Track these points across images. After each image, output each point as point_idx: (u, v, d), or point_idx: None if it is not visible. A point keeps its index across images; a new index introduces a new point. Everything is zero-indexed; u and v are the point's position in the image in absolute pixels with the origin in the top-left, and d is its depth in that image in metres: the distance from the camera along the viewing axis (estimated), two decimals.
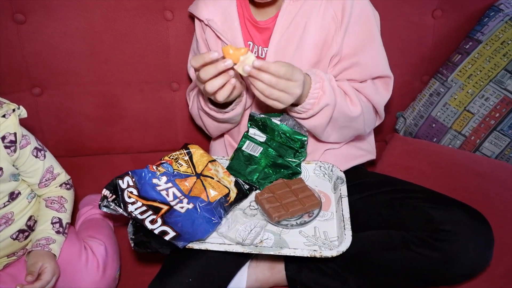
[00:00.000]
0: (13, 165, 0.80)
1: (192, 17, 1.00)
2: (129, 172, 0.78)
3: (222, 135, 1.02)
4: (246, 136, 0.94)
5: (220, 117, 0.88)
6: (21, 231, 0.84)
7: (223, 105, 0.86)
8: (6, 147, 0.77)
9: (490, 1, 1.11)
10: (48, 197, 0.86)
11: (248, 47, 0.90)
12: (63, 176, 0.88)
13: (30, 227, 0.85)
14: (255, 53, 0.90)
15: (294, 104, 0.80)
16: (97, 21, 1.01)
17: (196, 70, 0.75)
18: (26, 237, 0.85)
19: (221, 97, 0.74)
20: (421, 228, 0.76)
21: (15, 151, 0.78)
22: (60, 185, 0.88)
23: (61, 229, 0.84)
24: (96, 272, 0.85)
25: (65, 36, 1.01)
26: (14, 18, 0.98)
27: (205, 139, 1.15)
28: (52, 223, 0.84)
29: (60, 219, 0.85)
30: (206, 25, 0.90)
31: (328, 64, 0.88)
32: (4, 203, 0.81)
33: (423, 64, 1.16)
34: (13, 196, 0.83)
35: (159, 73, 1.08)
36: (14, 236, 0.83)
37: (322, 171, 0.92)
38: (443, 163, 0.97)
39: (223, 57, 0.71)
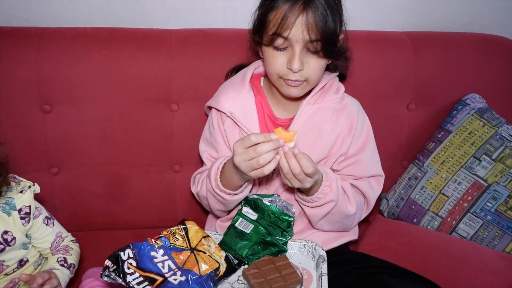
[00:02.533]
0: (26, 235, 0.92)
1: (199, 111, 1.16)
2: (130, 244, 0.88)
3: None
4: (239, 214, 1.04)
5: (229, 199, 0.99)
6: None
7: (232, 188, 0.97)
8: (21, 218, 0.90)
9: (458, 96, 1.26)
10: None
11: None
12: (70, 237, 1.01)
13: None
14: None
15: (304, 192, 0.97)
16: (111, 111, 1.16)
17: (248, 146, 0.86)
18: None
19: (268, 170, 0.86)
20: None
21: (29, 221, 0.91)
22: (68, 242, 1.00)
23: (65, 264, 0.95)
24: None
25: (83, 123, 1.15)
26: (42, 108, 1.14)
27: (203, 215, 1.24)
28: (57, 261, 0.95)
29: (65, 258, 0.96)
30: (228, 116, 1.04)
31: (335, 161, 1.04)
32: (13, 269, 0.92)
33: (402, 151, 1.28)
34: (21, 263, 0.94)
35: (162, 157, 1.21)
36: None
37: (306, 249, 1.00)
38: (417, 243, 1.05)
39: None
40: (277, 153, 0.86)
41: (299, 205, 1.03)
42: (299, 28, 0.88)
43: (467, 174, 1.15)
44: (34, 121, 1.14)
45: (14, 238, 0.89)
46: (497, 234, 1.09)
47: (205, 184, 1.05)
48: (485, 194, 1.12)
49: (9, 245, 0.89)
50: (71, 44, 1.14)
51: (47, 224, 0.96)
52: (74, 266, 0.98)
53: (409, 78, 1.24)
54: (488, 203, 1.12)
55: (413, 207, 1.20)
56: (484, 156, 1.15)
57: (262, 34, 0.94)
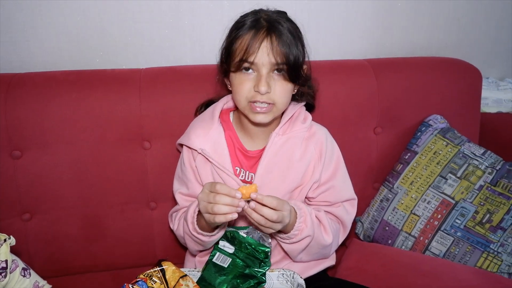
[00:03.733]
0: None
1: (172, 147, 1.17)
2: None
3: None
4: (216, 248, 1.04)
5: (206, 240, 1.00)
6: None
7: (209, 229, 0.99)
8: None
9: (421, 118, 1.31)
10: None
11: (235, 172, 1.06)
12: (47, 286, 0.98)
13: None
14: (242, 177, 1.06)
15: (280, 231, 0.99)
16: (83, 152, 1.16)
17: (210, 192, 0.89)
18: None
19: (219, 220, 0.88)
20: None
21: (5, 276, 0.88)
22: None
23: None
24: None
25: (56, 167, 1.15)
26: (12, 154, 1.13)
27: (181, 251, 1.23)
28: None
29: None
30: (199, 153, 1.05)
31: (309, 188, 1.07)
32: None
33: (372, 173, 1.32)
34: None
35: (138, 195, 1.21)
36: None
37: (284, 278, 1.01)
38: (393, 265, 1.07)
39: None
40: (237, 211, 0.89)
41: (276, 241, 1.05)
42: (264, 52, 0.93)
43: (435, 193, 1.20)
44: (3, 167, 1.13)
45: None
46: (468, 249, 1.13)
47: (181, 225, 1.06)
48: (454, 211, 1.16)
49: None
50: (40, 89, 1.14)
51: (24, 276, 0.93)
52: None
53: (373, 102, 1.28)
54: (457, 220, 1.16)
55: (387, 228, 1.23)
56: (449, 174, 1.20)
57: (229, 63, 0.98)
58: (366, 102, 1.28)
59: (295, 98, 1.11)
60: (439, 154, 1.23)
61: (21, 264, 0.93)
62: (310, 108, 1.16)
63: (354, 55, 1.42)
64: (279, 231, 1.00)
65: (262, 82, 0.94)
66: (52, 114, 1.14)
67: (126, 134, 1.18)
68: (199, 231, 0.98)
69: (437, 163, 1.22)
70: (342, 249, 1.22)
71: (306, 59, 1.02)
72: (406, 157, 1.27)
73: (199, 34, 1.34)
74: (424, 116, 1.32)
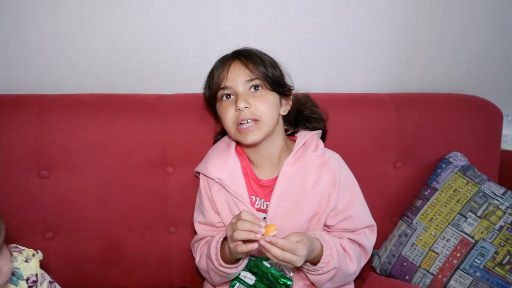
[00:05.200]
0: None
1: (194, 175, 1.19)
2: None
3: None
4: (237, 278, 1.05)
5: (232, 272, 1.01)
6: None
7: (233, 261, 1.00)
8: (29, 287, 0.89)
9: (441, 154, 1.32)
10: None
11: (251, 200, 1.08)
12: None
13: None
14: (257, 205, 1.08)
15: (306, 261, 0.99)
16: (108, 176, 1.18)
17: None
18: None
19: (240, 249, 0.89)
20: None
21: None
22: None
23: None
24: None
25: (80, 188, 1.17)
26: (40, 174, 1.16)
27: (198, 277, 1.24)
28: None
29: None
30: (217, 182, 1.08)
31: (326, 217, 1.07)
32: None
33: (391, 208, 1.32)
34: None
35: (158, 219, 1.22)
36: None
37: None
38: None
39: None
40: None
41: (303, 272, 1.05)
42: (233, 73, 1.01)
43: (454, 231, 1.19)
44: (31, 187, 1.16)
45: None
46: None
47: (204, 260, 1.07)
48: (473, 251, 1.16)
49: None
50: (69, 112, 1.18)
51: None
52: None
53: (393, 137, 1.30)
54: (476, 260, 1.15)
55: (405, 264, 1.23)
56: (469, 213, 1.20)
57: (210, 97, 1.07)
58: (386, 137, 1.30)
59: (305, 126, 1.13)
60: (459, 192, 1.23)
61: (48, 278, 0.95)
62: (322, 135, 1.18)
63: (374, 89, 1.44)
64: (306, 261, 1.00)
65: (239, 99, 0.99)
66: (79, 136, 1.17)
67: (150, 159, 1.20)
68: (225, 265, 0.99)
69: (457, 201, 1.22)
70: (358, 281, 1.22)
71: (282, 71, 1.09)
72: (426, 193, 1.27)
73: None
74: (444, 153, 1.32)
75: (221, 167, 1.09)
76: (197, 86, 1.37)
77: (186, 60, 1.35)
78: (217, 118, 1.13)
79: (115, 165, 1.18)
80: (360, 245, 1.10)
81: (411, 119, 1.31)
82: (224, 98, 1.03)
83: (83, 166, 1.17)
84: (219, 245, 1.01)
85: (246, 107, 0.99)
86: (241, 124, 1.00)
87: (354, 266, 1.05)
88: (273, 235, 0.89)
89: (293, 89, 1.11)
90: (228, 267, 1.00)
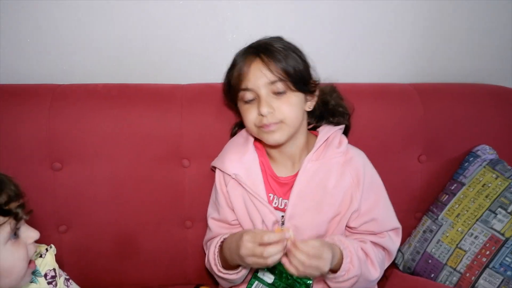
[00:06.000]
0: None
1: (211, 169, 1.14)
2: None
3: None
4: (255, 277, 1.00)
5: (232, 278, 0.98)
6: None
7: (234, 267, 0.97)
8: (49, 283, 0.85)
9: (468, 147, 1.26)
10: None
11: (269, 198, 1.03)
12: None
13: None
14: (275, 204, 1.03)
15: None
16: (122, 168, 1.15)
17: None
18: None
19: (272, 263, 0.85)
20: None
21: (56, 285, 0.86)
22: None
23: None
24: None
25: (93, 181, 1.14)
26: (52, 166, 1.13)
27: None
28: None
29: None
30: (234, 178, 1.03)
31: (349, 218, 1.02)
32: None
33: (415, 203, 1.27)
34: None
35: (173, 213, 1.18)
36: None
37: None
38: None
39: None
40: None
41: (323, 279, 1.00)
42: (255, 74, 0.93)
43: (483, 227, 1.13)
44: (43, 179, 1.12)
45: None
46: None
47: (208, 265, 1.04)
48: (503, 249, 1.10)
49: None
50: (82, 102, 1.15)
51: (67, 286, 0.91)
52: None
53: (418, 129, 1.24)
54: (507, 258, 1.09)
55: (430, 261, 1.17)
56: (499, 209, 1.14)
57: (230, 95, 1.00)
58: (410, 129, 1.24)
59: (329, 120, 1.08)
60: (488, 187, 1.17)
61: (64, 274, 0.91)
62: (345, 129, 1.11)
63: (397, 79, 1.38)
64: None
65: (262, 104, 0.93)
66: (92, 127, 1.13)
67: (165, 151, 1.16)
68: (225, 271, 0.97)
69: (486, 196, 1.16)
70: (382, 279, 1.17)
71: (311, 68, 1.01)
72: (452, 187, 1.22)
73: None
74: (471, 146, 1.26)
75: (238, 162, 1.04)
76: (212, 77, 1.33)
77: (202, 49, 1.31)
78: (237, 111, 1.08)
79: (129, 157, 1.15)
80: (384, 248, 1.05)
81: (436, 111, 1.25)
82: (246, 98, 0.96)
83: (96, 158, 1.14)
84: (217, 250, 0.98)
85: (270, 112, 0.93)
86: (263, 126, 0.95)
87: (376, 273, 1.00)
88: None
89: (319, 83, 1.03)
90: (227, 273, 0.96)
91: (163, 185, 1.17)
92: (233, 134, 1.15)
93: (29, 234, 0.77)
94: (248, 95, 0.94)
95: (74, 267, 1.17)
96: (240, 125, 1.13)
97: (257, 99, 0.94)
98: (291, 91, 0.94)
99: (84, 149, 1.13)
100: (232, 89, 0.99)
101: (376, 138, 1.22)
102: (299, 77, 0.95)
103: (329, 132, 1.04)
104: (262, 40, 0.99)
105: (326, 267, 0.85)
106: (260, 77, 0.92)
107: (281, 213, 1.01)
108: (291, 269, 0.85)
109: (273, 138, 0.96)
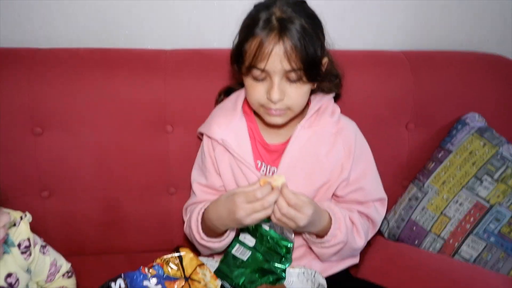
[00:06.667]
0: (27, 271, 0.85)
1: (195, 133, 1.13)
2: (122, 274, 0.85)
3: None
4: (237, 240, 1.00)
5: (214, 247, 0.97)
6: None
7: (217, 234, 0.96)
8: (23, 252, 0.84)
9: (457, 115, 1.24)
10: None
11: (257, 165, 1.01)
12: (65, 266, 0.95)
13: None
14: (263, 171, 1.02)
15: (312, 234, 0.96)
16: (105, 135, 1.13)
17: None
18: None
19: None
20: None
21: (30, 254, 0.85)
22: (63, 275, 0.94)
23: None
24: None
25: (76, 147, 1.13)
26: (33, 131, 1.11)
27: None
28: None
29: None
30: (220, 144, 1.01)
31: (337, 186, 1.01)
32: None
33: (402, 171, 1.26)
34: None
35: (158, 180, 1.18)
36: None
37: (305, 277, 0.97)
38: (420, 268, 1.02)
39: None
40: None
41: (307, 242, 1.01)
42: (276, 59, 0.85)
43: (468, 194, 1.13)
44: (25, 144, 1.11)
45: (17, 279, 0.82)
46: (502, 256, 1.07)
47: (188, 229, 1.03)
48: (488, 215, 1.10)
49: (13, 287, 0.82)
50: (63, 66, 1.12)
51: (43, 254, 0.90)
52: None
53: (407, 97, 1.22)
54: (491, 225, 1.09)
55: (414, 228, 1.17)
56: (485, 176, 1.13)
57: (240, 65, 0.92)
58: (399, 97, 1.22)
59: (322, 89, 1.06)
60: (476, 154, 1.16)
61: (40, 241, 0.90)
62: (335, 97, 1.09)
63: (389, 46, 1.35)
64: (311, 234, 0.96)
65: (274, 91, 0.88)
66: (74, 92, 1.11)
67: (148, 117, 1.14)
68: (208, 239, 0.96)
69: (473, 164, 1.15)
70: (366, 246, 1.17)
71: (326, 50, 0.95)
72: (439, 155, 1.20)
73: (228, 16, 1.29)
74: (460, 114, 1.24)
75: (226, 127, 1.01)
76: (198, 42, 1.31)
77: (187, 14, 1.27)
78: (236, 77, 1.05)
79: (112, 123, 1.13)
80: (369, 218, 1.05)
81: (427, 78, 1.23)
82: (257, 76, 0.90)
83: (78, 123, 1.12)
84: (199, 217, 0.97)
85: (280, 100, 0.90)
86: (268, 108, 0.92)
87: (361, 241, 1.00)
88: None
89: (328, 61, 0.98)
90: (210, 241, 0.96)
91: (146, 151, 1.16)
92: (218, 102, 1.13)
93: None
94: (260, 74, 0.89)
95: (58, 233, 1.17)
96: (226, 93, 1.11)
97: (268, 80, 0.90)
98: (304, 79, 0.90)
99: (65, 114, 1.11)
100: (243, 61, 0.90)
101: (364, 105, 1.21)
102: (315, 68, 0.90)
103: (322, 101, 1.03)
104: (286, 11, 0.87)
105: (302, 221, 0.85)
106: (278, 64, 0.86)
107: None
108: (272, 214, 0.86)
109: (274, 120, 0.95)
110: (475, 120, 1.21)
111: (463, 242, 1.10)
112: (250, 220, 0.85)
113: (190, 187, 1.14)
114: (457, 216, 1.12)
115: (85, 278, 1.09)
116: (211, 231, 0.96)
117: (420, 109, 1.23)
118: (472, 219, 1.11)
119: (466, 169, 1.15)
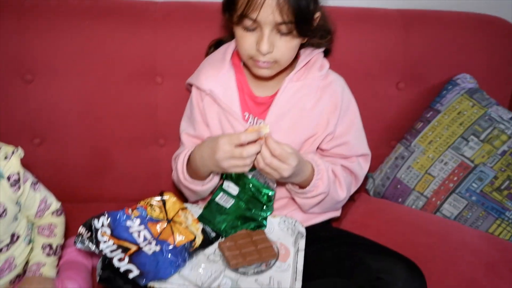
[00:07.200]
0: (16, 203, 0.88)
1: (185, 85, 1.13)
2: (106, 212, 0.88)
3: None
4: (220, 188, 1.02)
5: (199, 189, 0.99)
6: (18, 275, 0.92)
7: (201, 178, 0.98)
8: (11, 185, 0.86)
9: (449, 76, 1.24)
10: (40, 225, 0.94)
11: (244, 117, 1.02)
12: (54, 205, 0.97)
13: (25, 271, 0.93)
14: (250, 123, 1.03)
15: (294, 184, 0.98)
16: (94, 84, 1.14)
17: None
18: (20, 280, 0.93)
19: (248, 168, 0.88)
20: (362, 277, 0.82)
21: (19, 188, 0.87)
22: (52, 213, 0.96)
23: (51, 252, 0.92)
24: None
25: (65, 95, 1.14)
26: (24, 77, 1.12)
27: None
28: (42, 248, 0.92)
29: (50, 244, 0.93)
30: (207, 95, 1.02)
31: (322, 140, 1.02)
32: (7, 245, 0.88)
33: (390, 131, 1.26)
34: (13, 239, 0.89)
35: (147, 130, 1.19)
36: (13, 281, 0.91)
37: (286, 225, 1.00)
38: (399, 222, 1.04)
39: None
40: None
41: (290, 194, 1.03)
42: (268, 10, 0.85)
43: (454, 154, 1.14)
44: (15, 90, 1.13)
45: (5, 209, 0.85)
46: (481, 215, 1.08)
47: (175, 174, 1.05)
48: (471, 175, 1.11)
49: (1, 217, 0.85)
50: (52, 14, 1.12)
51: (34, 190, 0.93)
52: (60, 244, 0.96)
53: (398, 56, 1.21)
54: (473, 184, 1.10)
55: (399, 186, 1.19)
56: (472, 136, 1.13)
57: (231, 13, 0.91)
58: (391, 55, 1.21)
59: (312, 44, 1.05)
60: (464, 114, 1.16)
61: (31, 178, 0.92)
62: (325, 52, 1.08)
63: (383, 3, 1.33)
64: (294, 184, 0.98)
65: (264, 42, 0.88)
66: (63, 41, 1.11)
67: (138, 68, 1.15)
68: (191, 180, 0.98)
69: (460, 124, 1.15)
70: (349, 203, 1.19)
71: (319, 5, 0.94)
72: (428, 115, 1.21)
73: None
74: (451, 75, 1.24)
75: (214, 78, 1.02)
76: None
77: None
78: (227, 27, 1.04)
79: (101, 72, 1.14)
80: (352, 172, 1.06)
81: (419, 38, 1.22)
82: (247, 26, 0.89)
83: (68, 71, 1.13)
84: (186, 158, 0.99)
85: (269, 52, 0.89)
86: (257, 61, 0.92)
87: (343, 193, 1.02)
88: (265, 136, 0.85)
89: (318, 17, 0.96)
90: (193, 182, 0.98)
91: (136, 101, 1.17)
92: (208, 54, 1.13)
93: None
94: (251, 25, 0.89)
95: (49, 180, 1.17)
96: (216, 45, 1.11)
97: (258, 31, 0.89)
98: (295, 34, 0.89)
99: (55, 62, 1.12)
100: (235, 10, 0.89)
101: (355, 63, 1.20)
102: (306, 22, 0.89)
103: (311, 55, 1.02)
104: None
105: (286, 172, 0.86)
106: (269, 15, 0.85)
107: None
108: (256, 162, 0.87)
109: (261, 72, 0.95)
110: (466, 81, 1.21)
111: (445, 200, 1.12)
112: (227, 164, 0.87)
113: (179, 138, 1.16)
114: (441, 175, 1.14)
115: (74, 223, 1.11)
116: (194, 173, 0.98)
117: (411, 69, 1.22)
118: (455, 178, 1.12)
119: (453, 129, 1.16)
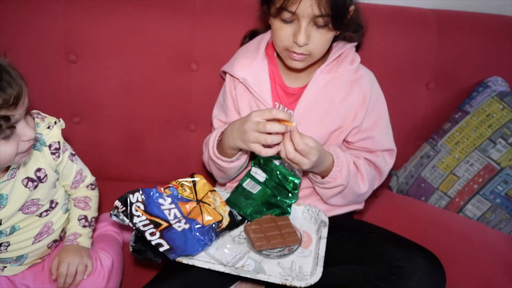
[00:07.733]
0: (56, 171, 0.94)
1: (219, 73, 1.18)
2: (140, 189, 0.92)
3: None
4: (248, 175, 1.06)
5: (225, 166, 1.02)
6: (55, 240, 0.97)
7: (229, 156, 1.01)
8: (52, 153, 0.91)
9: (480, 78, 1.23)
10: (76, 197, 1.00)
11: (274, 106, 1.06)
12: (89, 178, 1.02)
13: (61, 238, 0.99)
14: None
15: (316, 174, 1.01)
16: (133, 67, 1.19)
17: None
18: (57, 246, 0.99)
19: (265, 153, 0.90)
20: (381, 265, 0.85)
21: (59, 156, 0.92)
22: (87, 187, 1.02)
23: (87, 224, 0.98)
24: (101, 281, 0.94)
25: (105, 77, 1.20)
26: (68, 58, 1.18)
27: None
28: (79, 220, 0.98)
29: (85, 216, 0.99)
30: (241, 83, 1.05)
31: (348, 133, 1.05)
32: (46, 210, 0.93)
33: (417, 130, 1.27)
34: (52, 205, 0.95)
35: (179, 115, 1.24)
36: (49, 245, 0.96)
37: (309, 214, 1.02)
38: (421, 219, 1.06)
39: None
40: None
41: (311, 182, 1.05)
42: (307, 3, 0.88)
43: (480, 156, 1.14)
44: (59, 70, 1.18)
45: (46, 175, 0.91)
46: (505, 217, 1.09)
47: (206, 151, 1.08)
48: (497, 178, 1.11)
49: (42, 182, 0.90)
50: None
51: (72, 161, 0.98)
52: (94, 217, 1.02)
53: (430, 56, 1.22)
54: (498, 187, 1.11)
55: (423, 185, 1.20)
56: (500, 139, 1.14)
57: (269, 6, 0.94)
58: (423, 55, 1.22)
59: (344, 37, 1.07)
60: (493, 117, 1.16)
61: (70, 149, 0.97)
62: (356, 47, 1.10)
63: (418, 3, 1.33)
64: (314, 174, 1.01)
65: (301, 34, 0.91)
66: (106, 23, 1.17)
67: (175, 54, 1.19)
68: (218, 155, 1.01)
69: (489, 126, 1.16)
70: (371, 199, 1.21)
71: (355, 1, 0.97)
72: (457, 116, 1.21)
73: None
74: (483, 77, 1.24)
75: (248, 67, 1.06)
76: None
77: None
78: (263, 19, 1.07)
79: (140, 56, 1.18)
80: (376, 167, 1.08)
81: (453, 39, 1.22)
82: (285, 18, 0.92)
83: (109, 54, 1.18)
84: (219, 133, 1.02)
85: (305, 44, 0.92)
86: (293, 52, 0.95)
87: (365, 187, 1.03)
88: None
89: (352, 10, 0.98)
90: (220, 158, 1.01)
91: (170, 86, 1.21)
92: (243, 44, 1.16)
93: (26, 132, 0.78)
94: (289, 17, 0.92)
95: (85, 158, 1.22)
96: (251, 36, 1.14)
97: (295, 23, 0.92)
98: (330, 27, 0.92)
99: (98, 44, 1.17)
100: (273, 2, 0.92)
101: (386, 60, 1.22)
102: (342, 15, 0.92)
103: (343, 48, 1.05)
104: None
105: (306, 165, 0.90)
106: (308, 8, 0.88)
107: None
108: (280, 152, 0.90)
109: (294, 64, 0.98)
110: (498, 83, 1.20)
111: (468, 201, 1.13)
112: (252, 136, 0.89)
113: (210, 125, 1.20)
114: (466, 176, 1.14)
115: (105, 199, 1.17)
116: (223, 150, 1.01)
117: (442, 69, 1.23)
118: (480, 179, 1.13)
119: (482, 131, 1.16)
